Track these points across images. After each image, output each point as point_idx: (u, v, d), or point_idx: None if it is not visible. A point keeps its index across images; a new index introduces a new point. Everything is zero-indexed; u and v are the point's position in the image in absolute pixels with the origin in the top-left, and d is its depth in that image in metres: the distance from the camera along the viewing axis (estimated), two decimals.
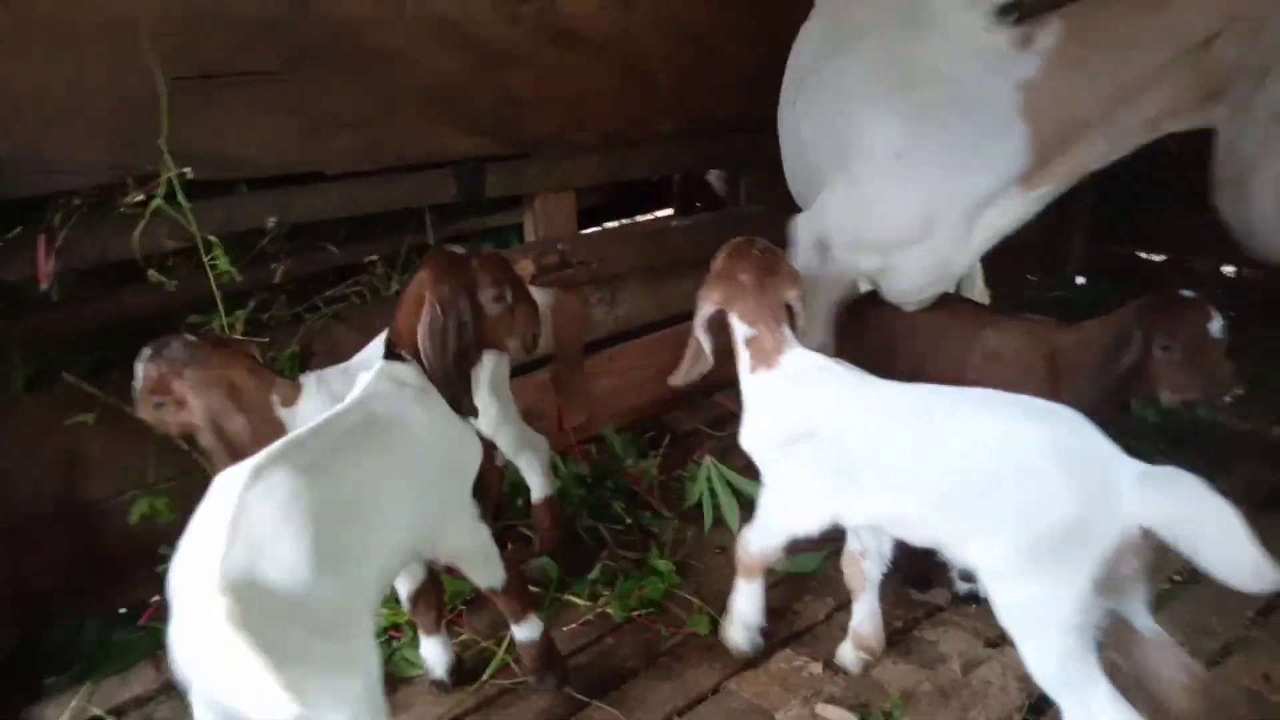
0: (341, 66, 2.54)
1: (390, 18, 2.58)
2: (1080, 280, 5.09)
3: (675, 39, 3.10)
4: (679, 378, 2.17)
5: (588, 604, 2.46)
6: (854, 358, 2.13)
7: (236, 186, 2.55)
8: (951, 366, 2.36)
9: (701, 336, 2.10)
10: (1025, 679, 2.16)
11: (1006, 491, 1.63)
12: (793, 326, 2.03)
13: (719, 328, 2.08)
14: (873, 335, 2.61)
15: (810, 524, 2.01)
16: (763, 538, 2.13)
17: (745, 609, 2.24)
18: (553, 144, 2.96)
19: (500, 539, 2.72)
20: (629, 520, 2.82)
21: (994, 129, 2.17)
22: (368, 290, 2.91)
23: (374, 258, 2.93)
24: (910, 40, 2.31)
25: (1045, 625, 1.63)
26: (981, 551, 1.71)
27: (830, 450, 1.91)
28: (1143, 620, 1.68)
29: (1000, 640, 2.32)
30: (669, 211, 4.68)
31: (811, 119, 2.60)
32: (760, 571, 2.20)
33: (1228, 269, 4.97)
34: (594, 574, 2.55)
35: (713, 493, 2.80)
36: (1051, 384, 2.22)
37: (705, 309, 2.07)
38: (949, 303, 2.59)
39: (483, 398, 2.41)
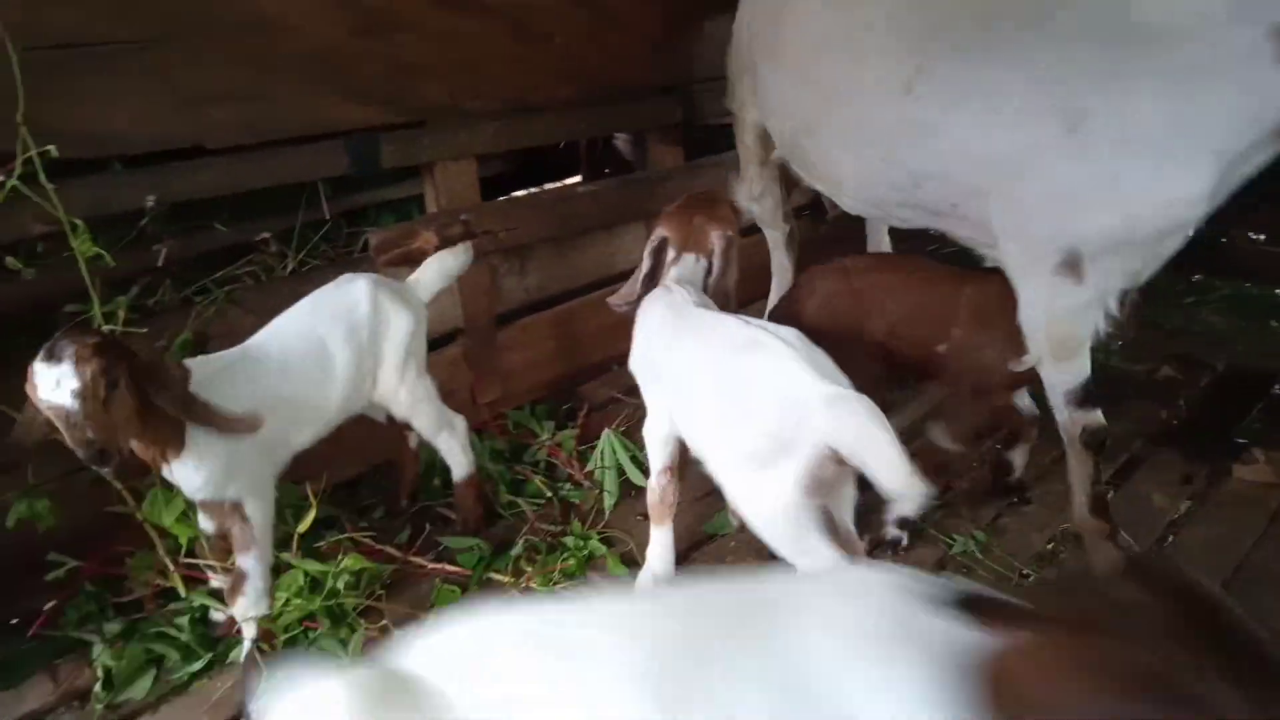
0: (215, 35, 2.38)
1: None
2: None
3: (571, 3, 3.02)
4: (615, 299, 2.43)
5: (511, 581, 2.42)
6: (825, 322, 2.41)
7: (110, 165, 2.39)
8: (936, 324, 2.44)
9: (644, 262, 2.36)
10: None
11: (737, 410, 1.88)
12: (710, 262, 2.34)
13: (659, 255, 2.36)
14: (844, 299, 2.53)
15: (659, 433, 2.26)
16: (651, 462, 2.32)
17: (654, 558, 2.33)
18: (448, 111, 2.85)
19: (419, 521, 2.68)
20: (549, 494, 2.79)
21: (1253, 82, 1.82)
22: (261, 270, 2.77)
23: (266, 235, 2.79)
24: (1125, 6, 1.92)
25: (767, 515, 1.87)
26: (720, 459, 1.97)
27: (657, 368, 2.21)
28: (843, 519, 1.91)
29: None
30: (578, 178, 4.62)
31: (976, 110, 2.12)
32: (667, 515, 2.32)
33: None
34: (516, 550, 2.51)
35: (617, 465, 2.79)
36: None
37: (653, 237, 2.38)
38: (913, 262, 2.65)
39: (396, 374, 2.34)
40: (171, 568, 2.25)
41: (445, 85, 2.85)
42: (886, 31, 2.30)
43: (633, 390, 3.42)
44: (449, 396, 2.58)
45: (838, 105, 2.47)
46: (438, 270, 2.49)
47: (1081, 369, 2.22)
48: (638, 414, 3.14)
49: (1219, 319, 4.01)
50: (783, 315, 2.57)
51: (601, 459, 2.81)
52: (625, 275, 3.58)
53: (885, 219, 2.84)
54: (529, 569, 2.45)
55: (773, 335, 1.91)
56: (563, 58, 3.06)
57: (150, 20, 2.28)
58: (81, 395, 1.68)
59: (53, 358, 1.70)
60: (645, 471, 2.66)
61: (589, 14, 3.07)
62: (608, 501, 2.71)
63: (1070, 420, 2.29)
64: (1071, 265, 2.07)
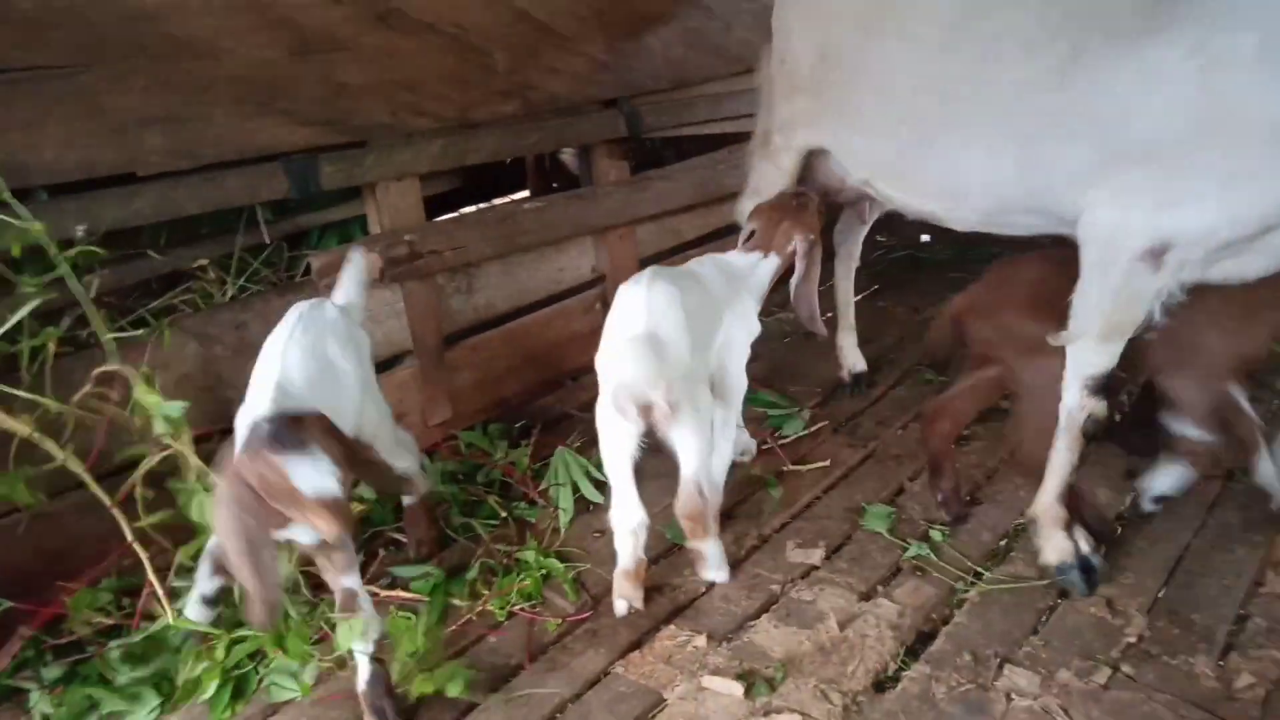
0: (145, 58, 2.33)
1: (196, 4, 2.39)
2: None
3: (511, 20, 3.01)
4: None
5: (468, 604, 2.39)
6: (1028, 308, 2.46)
7: (35, 194, 2.32)
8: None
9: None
10: (898, 627, 2.26)
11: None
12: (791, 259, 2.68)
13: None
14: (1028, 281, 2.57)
15: None
16: None
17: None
18: (389, 131, 2.82)
19: (371, 547, 2.63)
20: (504, 514, 2.76)
21: None
22: (199, 297, 2.71)
23: (204, 262, 2.73)
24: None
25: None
26: None
27: None
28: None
29: (873, 593, 2.40)
30: (526, 194, 4.61)
31: (1127, 97, 2.09)
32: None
33: None
34: (472, 573, 2.48)
35: (572, 482, 2.77)
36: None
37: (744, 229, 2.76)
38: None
39: (366, 394, 2.29)
40: (159, 589, 2.14)
41: (386, 104, 2.82)
42: (1035, 27, 2.24)
43: (586, 406, 3.42)
44: (400, 419, 2.55)
45: (972, 110, 2.38)
46: (357, 291, 2.41)
47: (1114, 355, 2.27)
48: (592, 429, 3.13)
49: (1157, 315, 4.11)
50: (980, 303, 2.64)
51: (556, 476, 2.79)
52: (575, 290, 3.60)
53: (999, 226, 2.65)
54: (485, 592, 2.42)
55: (661, 280, 2.30)
56: (504, 75, 3.05)
57: (75, 45, 2.22)
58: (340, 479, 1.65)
59: (299, 447, 1.63)
60: (600, 488, 2.65)
61: (529, 31, 3.06)
62: (563, 519, 2.69)
63: (1079, 406, 2.32)
64: (1156, 254, 2.11)
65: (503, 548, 2.61)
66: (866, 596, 2.39)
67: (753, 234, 2.71)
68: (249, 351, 2.33)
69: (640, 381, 2.14)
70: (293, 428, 1.67)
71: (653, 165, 3.81)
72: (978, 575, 2.45)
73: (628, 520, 2.31)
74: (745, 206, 3.03)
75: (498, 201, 4.24)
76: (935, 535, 2.61)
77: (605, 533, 2.63)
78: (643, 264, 3.74)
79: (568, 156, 4.52)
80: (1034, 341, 2.40)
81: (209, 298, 2.72)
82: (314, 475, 1.63)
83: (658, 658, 2.18)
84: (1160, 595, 2.35)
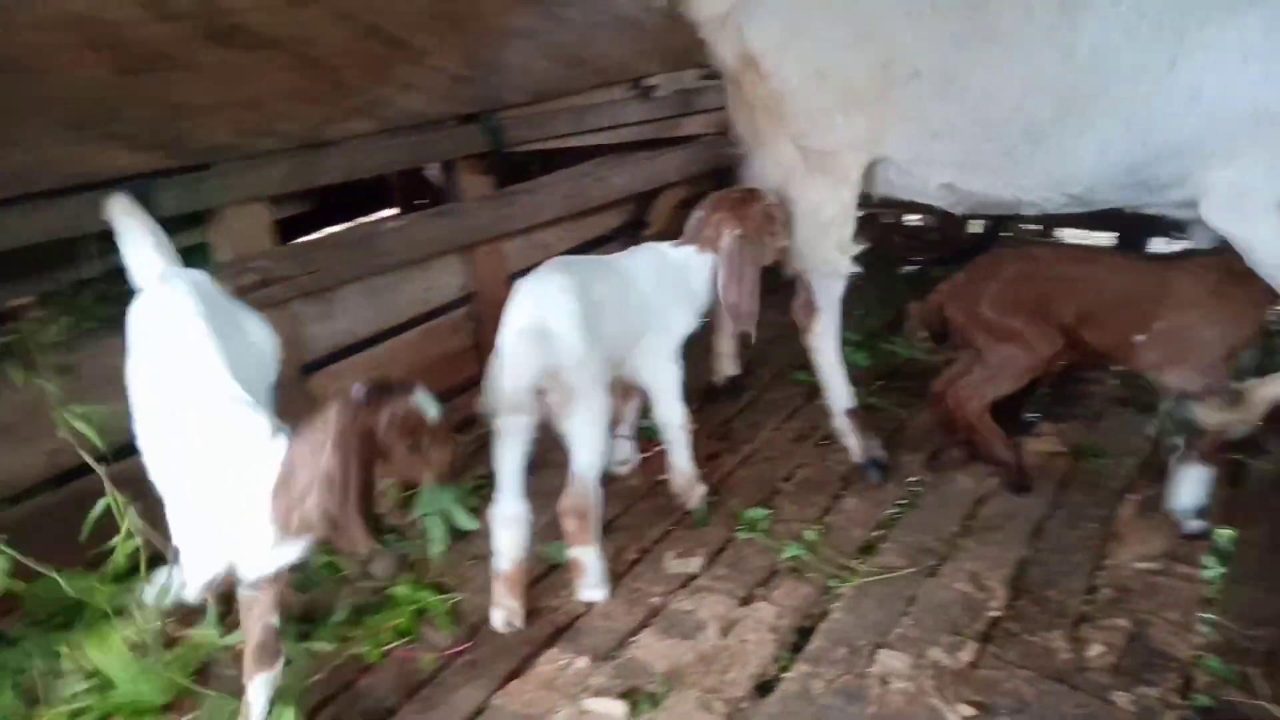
0: None
1: (7, 20, 2.21)
2: None
3: (362, 35, 2.90)
4: None
5: (334, 648, 2.26)
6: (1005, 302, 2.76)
7: None
8: (1137, 315, 2.62)
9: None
10: (777, 629, 2.29)
11: None
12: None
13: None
14: (1031, 284, 2.77)
15: None
16: None
17: None
18: (232, 152, 2.68)
19: (228, 596, 2.47)
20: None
21: None
22: (25, 339, 2.49)
23: (26, 300, 2.52)
24: None
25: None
26: None
27: None
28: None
29: (752, 597, 2.43)
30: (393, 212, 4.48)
31: (1238, 69, 2.31)
32: None
33: (912, 218, 5.55)
34: (338, 615, 2.36)
35: (442, 510, 2.68)
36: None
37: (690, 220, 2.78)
38: (1105, 255, 3.03)
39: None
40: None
41: (228, 125, 2.67)
42: (1139, 12, 2.36)
43: (461, 428, 3.35)
44: None
45: (1083, 101, 2.45)
46: None
47: None
48: (466, 450, 3.06)
49: None
50: (960, 292, 2.87)
51: (425, 505, 2.69)
52: (443, 310, 3.52)
53: (1084, 205, 2.73)
54: (355, 633, 2.31)
55: (555, 271, 2.35)
56: (355, 91, 2.95)
57: None
58: None
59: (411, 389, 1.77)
60: (473, 514, 2.58)
61: (382, 46, 2.96)
62: (435, 550, 2.60)
63: None
64: None
65: (371, 583, 2.51)
66: (746, 601, 2.41)
67: (696, 223, 2.75)
68: (83, 394, 2.18)
69: (516, 373, 2.16)
70: (384, 382, 1.79)
71: (519, 179, 3.76)
72: (851, 570, 2.51)
73: (507, 511, 2.29)
74: (803, 232, 2.87)
75: (359, 222, 4.11)
76: (809, 535, 2.67)
77: (482, 559, 2.58)
78: (512, 279, 3.69)
79: (433, 173, 4.42)
80: (1005, 331, 2.76)
81: (33, 338, 2.51)
82: (431, 406, 1.79)
83: (538, 684, 2.14)
84: (1019, 572, 2.47)
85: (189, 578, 1.83)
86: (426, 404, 1.78)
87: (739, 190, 2.82)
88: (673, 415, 2.72)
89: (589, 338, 2.27)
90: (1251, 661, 2.10)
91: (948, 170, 2.74)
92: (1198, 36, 2.32)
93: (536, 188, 3.75)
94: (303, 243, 3.01)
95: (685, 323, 2.70)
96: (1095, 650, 2.16)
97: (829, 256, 2.89)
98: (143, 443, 1.89)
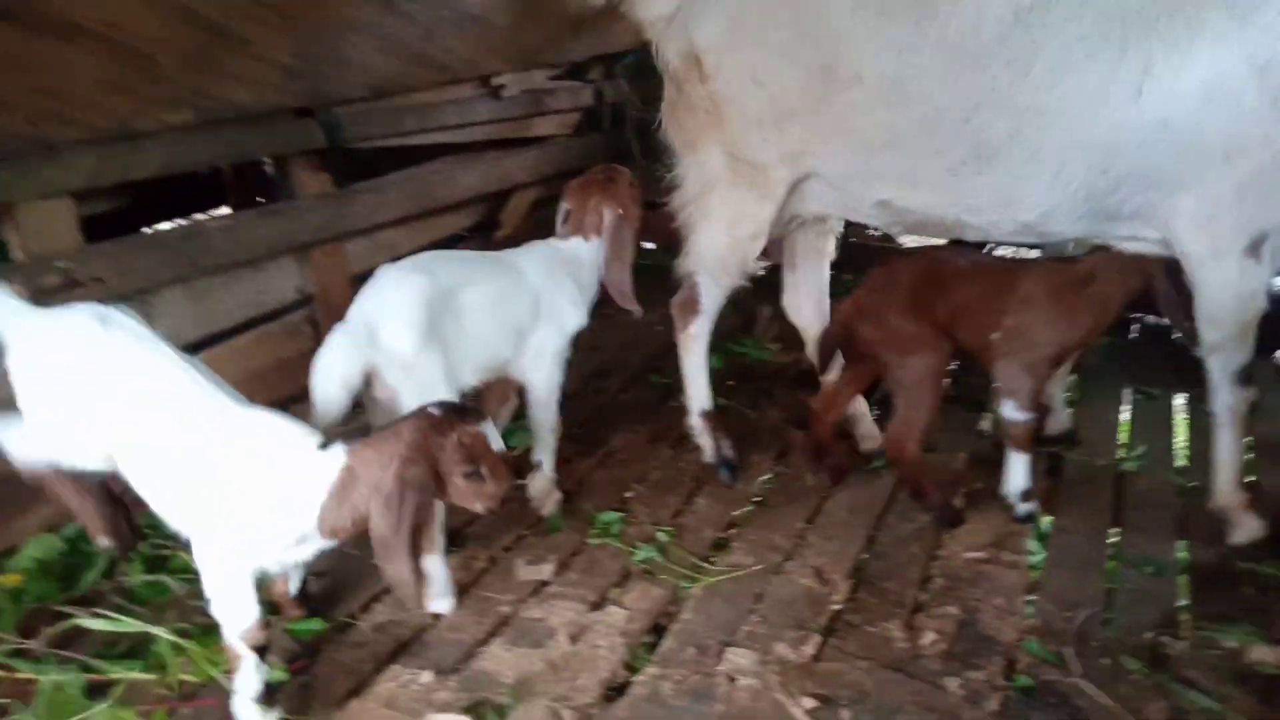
0: None
1: None
2: None
3: (178, 20, 2.68)
4: None
5: (158, 679, 2.08)
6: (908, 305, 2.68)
7: None
8: (992, 313, 2.66)
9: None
10: (628, 633, 2.27)
11: None
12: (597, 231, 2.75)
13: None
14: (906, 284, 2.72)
15: None
16: None
17: None
18: (28, 144, 2.43)
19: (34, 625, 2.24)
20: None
21: None
22: None
23: None
24: None
25: None
26: None
27: None
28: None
29: (603, 601, 2.40)
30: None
31: (1201, 103, 2.23)
32: None
33: None
34: (162, 641, 2.17)
35: None
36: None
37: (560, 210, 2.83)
38: (975, 257, 2.91)
39: None
40: None
41: (22, 114, 2.42)
42: (1103, 41, 2.27)
43: None
44: None
45: (1042, 126, 2.36)
46: None
47: (1250, 347, 2.47)
48: None
49: None
50: (867, 308, 2.75)
51: None
52: (278, 314, 3.32)
53: (1038, 236, 2.69)
54: (181, 658, 2.13)
55: (410, 268, 2.34)
56: (173, 81, 2.73)
57: None
58: None
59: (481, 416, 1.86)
60: None
61: (200, 33, 2.75)
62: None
63: (1238, 400, 2.53)
64: (1255, 247, 2.34)
65: (199, 602, 2.33)
66: (597, 606, 2.38)
67: (568, 215, 2.77)
68: None
69: (326, 370, 2.12)
70: (458, 406, 1.92)
71: (359, 177, 3.60)
72: (702, 570, 2.52)
73: None
74: (713, 240, 2.86)
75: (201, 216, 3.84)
76: (662, 536, 2.67)
77: (323, 575, 2.45)
78: (356, 281, 3.54)
79: (271, 168, 4.19)
80: (913, 340, 2.65)
81: None
82: (496, 438, 1.86)
83: (379, 702, 2.04)
84: (859, 564, 2.55)
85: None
86: (492, 433, 1.84)
87: (599, 172, 2.82)
88: (548, 417, 2.69)
89: (426, 339, 2.19)
90: (1066, 641, 2.24)
91: (887, 186, 2.65)
92: (1162, 70, 2.25)
93: (379, 186, 3.61)
94: (115, 242, 2.76)
95: (577, 317, 2.69)
96: (929, 638, 2.25)
97: (731, 268, 2.89)
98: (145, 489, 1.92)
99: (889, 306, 2.70)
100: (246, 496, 1.79)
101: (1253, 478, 3.07)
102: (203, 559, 1.88)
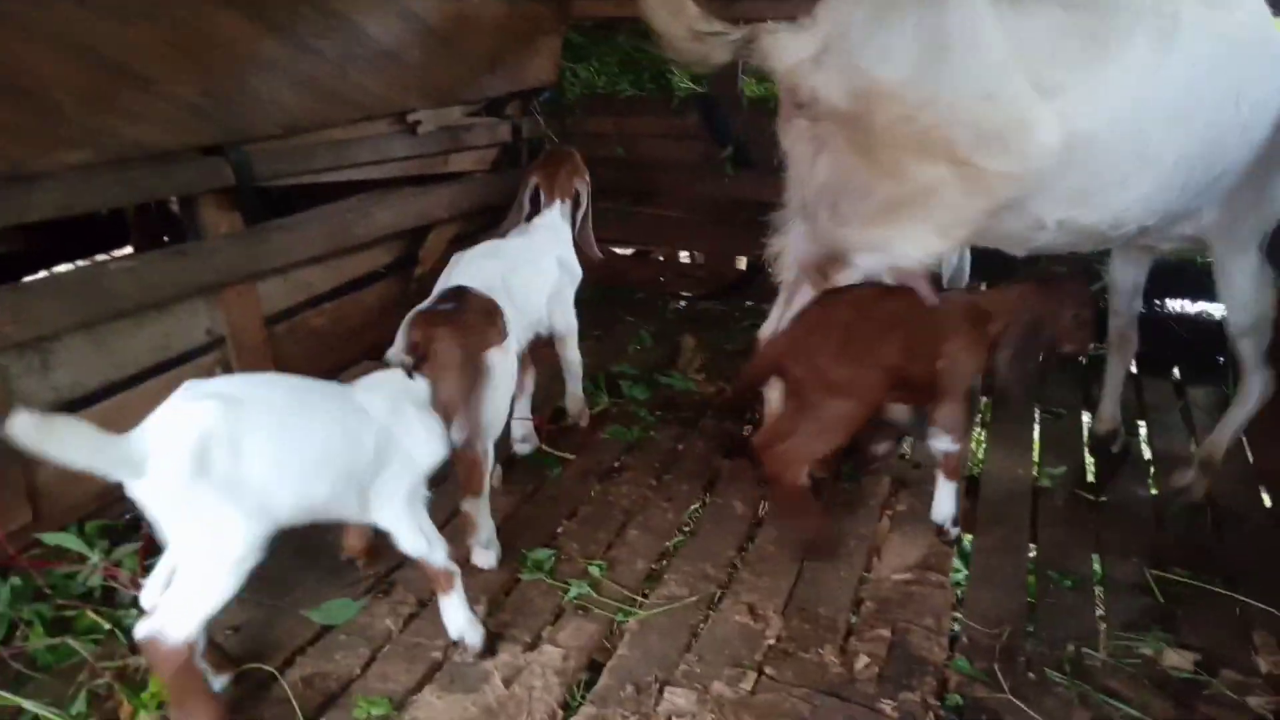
0: None
1: None
2: None
3: (74, 57, 2.57)
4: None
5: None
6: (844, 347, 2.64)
7: None
8: (935, 342, 2.69)
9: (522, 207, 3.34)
10: (563, 672, 2.23)
11: None
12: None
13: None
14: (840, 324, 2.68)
15: None
16: None
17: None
18: None
19: None
20: (108, 625, 2.33)
21: None
22: None
23: None
24: None
25: None
26: None
27: None
28: None
29: (537, 641, 2.36)
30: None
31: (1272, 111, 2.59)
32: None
33: (683, 256, 5.74)
34: (77, 705, 2.05)
35: None
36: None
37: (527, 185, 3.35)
38: (900, 290, 2.76)
39: None
40: None
41: None
42: (1213, 61, 2.47)
43: None
44: None
45: (1171, 141, 2.48)
46: None
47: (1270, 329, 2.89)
48: None
49: None
50: (800, 347, 2.70)
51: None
52: (188, 357, 3.20)
53: (1121, 240, 2.87)
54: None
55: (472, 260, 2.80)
56: (67, 120, 2.61)
57: None
58: None
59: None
60: None
61: (99, 71, 2.65)
62: None
63: (1267, 379, 2.95)
64: (1261, 242, 2.78)
65: (112, 664, 2.20)
66: (531, 646, 2.34)
67: (537, 188, 3.25)
68: None
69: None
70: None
71: (270, 216, 3.50)
72: (636, 603, 2.50)
73: None
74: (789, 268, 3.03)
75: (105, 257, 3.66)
76: (594, 571, 2.64)
77: (240, 629, 2.35)
78: (270, 322, 3.44)
79: (177, 207, 4.04)
80: (843, 385, 2.62)
81: None
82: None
83: None
84: (791, 595, 2.57)
85: None
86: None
87: (554, 152, 3.41)
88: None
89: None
90: (993, 658, 2.30)
91: (1064, 206, 2.57)
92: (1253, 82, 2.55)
93: (292, 224, 3.52)
94: (10, 287, 2.62)
95: (577, 278, 3.23)
96: (862, 662, 2.27)
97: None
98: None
99: (821, 350, 2.63)
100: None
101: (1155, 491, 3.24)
102: (398, 513, 2.20)
